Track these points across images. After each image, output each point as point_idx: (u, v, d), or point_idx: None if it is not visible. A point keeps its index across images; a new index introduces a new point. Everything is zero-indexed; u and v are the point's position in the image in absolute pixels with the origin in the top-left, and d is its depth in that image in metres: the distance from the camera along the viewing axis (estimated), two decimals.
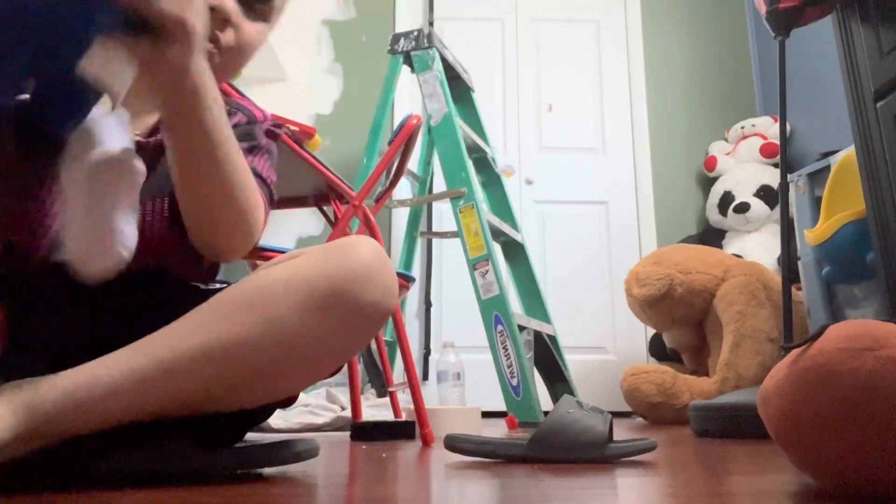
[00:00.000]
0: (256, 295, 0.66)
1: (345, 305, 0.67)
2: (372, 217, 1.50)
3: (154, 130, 0.81)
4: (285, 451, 0.78)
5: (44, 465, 0.62)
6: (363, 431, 1.50)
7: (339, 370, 0.78)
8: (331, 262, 0.68)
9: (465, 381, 2.20)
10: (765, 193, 2.94)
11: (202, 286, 0.82)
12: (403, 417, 1.75)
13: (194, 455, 0.70)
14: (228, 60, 0.80)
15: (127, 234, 0.66)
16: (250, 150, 0.86)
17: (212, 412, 0.69)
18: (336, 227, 1.52)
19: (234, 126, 0.87)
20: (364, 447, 1.27)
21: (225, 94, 1.03)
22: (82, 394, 0.60)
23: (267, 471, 0.80)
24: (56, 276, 0.69)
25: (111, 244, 0.65)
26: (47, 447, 0.61)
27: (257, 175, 0.84)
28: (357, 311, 0.68)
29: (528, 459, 0.92)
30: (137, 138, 0.78)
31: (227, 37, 0.78)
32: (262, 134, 0.91)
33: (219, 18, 0.77)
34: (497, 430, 1.75)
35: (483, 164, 2.63)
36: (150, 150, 0.78)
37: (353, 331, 0.69)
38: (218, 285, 0.83)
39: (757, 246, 2.86)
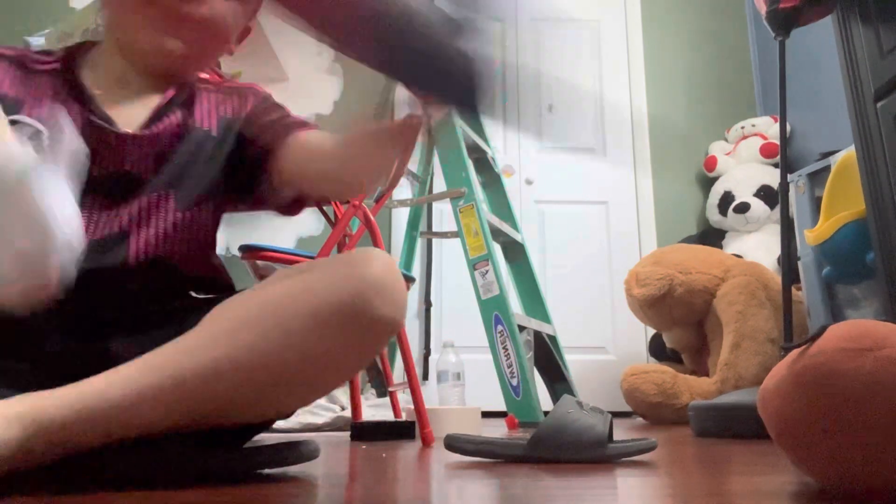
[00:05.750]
0: (267, 309, 0.66)
1: (356, 321, 0.66)
2: (372, 217, 1.50)
3: (148, 122, 0.81)
4: (285, 452, 0.78)
5: (45, 467, 0.62)
6: (363, 431, 1.50)
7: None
8: (342, 276, 0.67)
9: (465, 381, 2.20)
10: (765, 193, 2.94)
11: (202, 296, 0.82)
12: (403, 417, 1.75)
13: (195, 456, 0.70)
14: (200, 39, 0.80)
15: (65, 218, 0.59)
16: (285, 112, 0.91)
17: (218, 425, 0.69)
18: (336, 227, 1.52)
19: (255, 106, 0.90)
20: (364, 447, 1.27)
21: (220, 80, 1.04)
22: (90, 409, 0.60)
23: (267, 471, 0.80)
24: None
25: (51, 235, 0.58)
26: (52, 460, 0.61)
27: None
28: (368, 326, 0.67)
29: (528, 459, 0.92)
30: (129, 131, 0.79)
31: (193, 7, 0.78)
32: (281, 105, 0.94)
33: None
34: (497, 430, 1.75)
35: (483, 164, 2.63)
36: (144, 142, 0.79)
37: (363, 345, 0.68)
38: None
39: (757, 246, 2.86)
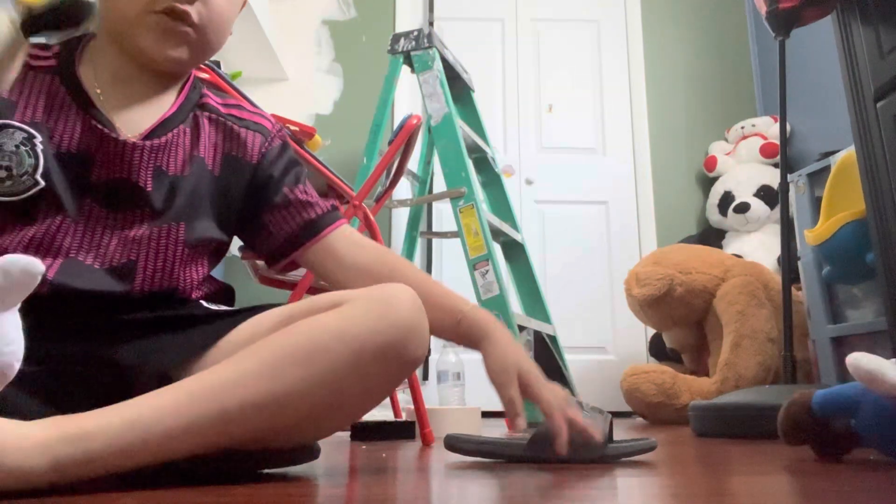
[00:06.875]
0: (311, 349, 0.68)
1: (393, 360, 0.72)
2: (372, 217, 1.50)
3: (151, 132, 0.80)
4: (285, 452, 0.78)
5: None
6: (363, 431, 1.50)
7: None
8: (379, 317, 0.71)
9: (465, 381, 2.19)
10: (765, 193, 2.94)
11: (213, 307, 0.82)
12: (403, 417, 1.75)
13: (196, 457, 0.70)
14: (204, 36, 0.79)
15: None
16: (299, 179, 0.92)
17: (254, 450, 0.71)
18: None
19: (264, 156, 0.89)
20: (364, 447, 1.27)
21: (221, 90, 1.04)
22: (130, 441, 0.60)
23: (267, 471, 0.80)
24: (63, 300, 0.71)
25: None
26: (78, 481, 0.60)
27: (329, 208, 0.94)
28: (403, 365, 0.73)
29: (528, 459, 0.92)
30: (131, 139, 0.78)
31: (197, 10, 0.77)
32: (294, 156, 0.94)
33: None
34: (497, 430, 1.75)
35: (483, 164, 2.63)
36: (145, 152, 0.78)
37: (395, 380, 0.76)
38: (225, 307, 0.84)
39: (757, 246, 2.86)
